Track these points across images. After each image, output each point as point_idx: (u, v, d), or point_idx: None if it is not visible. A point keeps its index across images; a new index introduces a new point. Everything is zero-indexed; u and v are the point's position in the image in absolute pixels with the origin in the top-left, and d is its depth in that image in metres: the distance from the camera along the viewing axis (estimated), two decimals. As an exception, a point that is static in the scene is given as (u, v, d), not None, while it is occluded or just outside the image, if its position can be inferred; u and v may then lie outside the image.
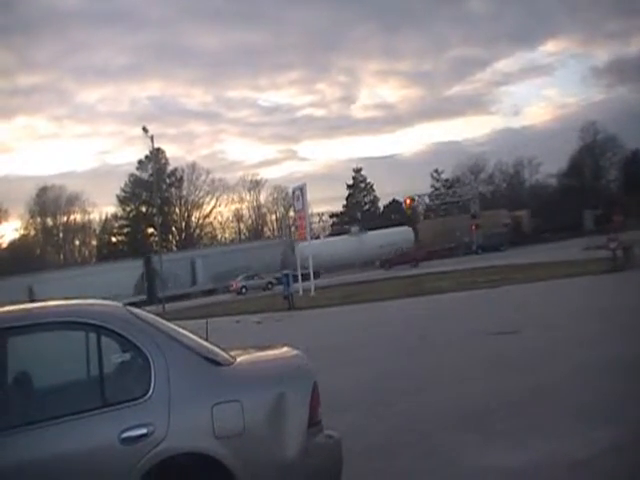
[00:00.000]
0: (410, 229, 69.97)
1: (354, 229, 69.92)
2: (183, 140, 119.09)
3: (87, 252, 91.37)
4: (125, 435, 3.93)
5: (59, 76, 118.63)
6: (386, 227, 69.87)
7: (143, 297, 55.79)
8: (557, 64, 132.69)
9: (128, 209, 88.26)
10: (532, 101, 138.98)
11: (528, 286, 24.46)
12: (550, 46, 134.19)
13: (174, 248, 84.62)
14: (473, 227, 69.39)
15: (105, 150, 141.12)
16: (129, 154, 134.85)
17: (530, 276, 27.36)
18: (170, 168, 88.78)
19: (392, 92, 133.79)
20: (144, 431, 3.96)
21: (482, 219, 67.73)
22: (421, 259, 60.35)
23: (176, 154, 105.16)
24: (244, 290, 55.81)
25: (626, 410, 7.23)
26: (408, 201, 76.94)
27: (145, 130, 50.34)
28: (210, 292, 61.92)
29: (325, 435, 4.59)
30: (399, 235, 66.99)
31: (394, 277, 43.14)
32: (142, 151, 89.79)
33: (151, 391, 4.08)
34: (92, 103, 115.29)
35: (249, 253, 64.56)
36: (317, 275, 50.14)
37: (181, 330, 4.66)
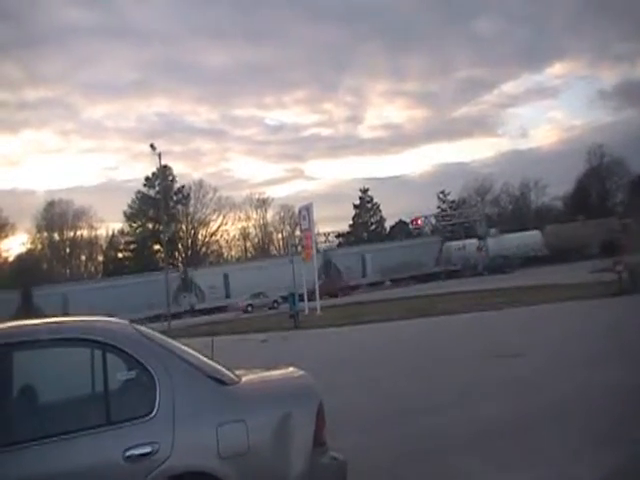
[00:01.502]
0: (539, 233, 70.83)
1: (493, 231, 73.50)
2: (189, 157, 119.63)
3: (93, 268, 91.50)
4: (129, 453, 3.91)
5: (66, 91, 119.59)
6: (516, 231, 72.91)
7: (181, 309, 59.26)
8: (564, 86, 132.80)
9: (135, 225, 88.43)
10: (539, 123, 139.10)
11: (533, 309, 24.36)
12: (557, 68, 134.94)
13: (180, 265, 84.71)
14: (481, 250, 69.54)
15: (111, 166, 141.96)
16: (135, 170, 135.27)
17: (536, 299, 27.24)
18: (177, 185, 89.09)
19: (399, 113, 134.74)
20: (148, 449, 3.94)
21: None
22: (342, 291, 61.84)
23: (182, 171, 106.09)
24: (250, 309, 55.78)
25: (630, 433, 7.18)
26: (419, 222, 77.11)
27: (153, 147, 50.53)
28: (376, 284, 67.99)
29: (330, 456, 4.57)
30: (531, 238, 69.54)
31: (399, 298, 43.02)
32: (149, 167, 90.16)
33: (156, 409, 4.06)
34: (99, 118, 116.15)
35: (409, 250, 71.40)
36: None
37: (187, 348, 4.65)
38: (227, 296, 65.94)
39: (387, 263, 69.33)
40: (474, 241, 72.04)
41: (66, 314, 54.35)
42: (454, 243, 74.10)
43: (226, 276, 67.94)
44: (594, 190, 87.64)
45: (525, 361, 13.11)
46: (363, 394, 11.55)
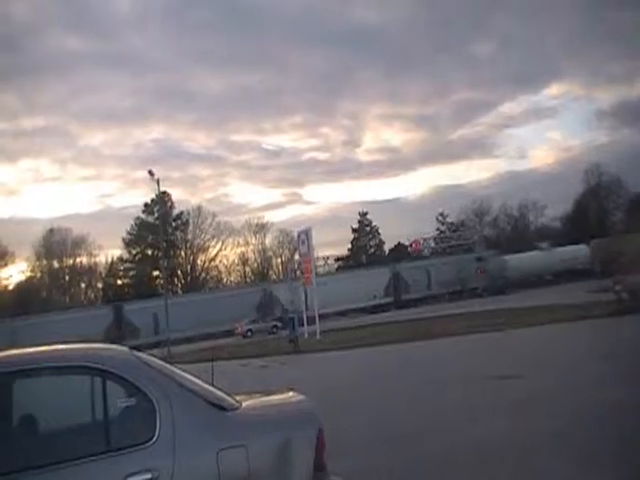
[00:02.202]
0: (586, 247, 70.30)
1: (544, 245, 74.38)
2: (187, 183, 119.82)
3: (93, 295, 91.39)
4: (130, 480, 3.91)
5: (63, 119, 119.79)
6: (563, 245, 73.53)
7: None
8: (561, 107, 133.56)
9: (134, 252, 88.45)
10: (536, 144, 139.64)
11: (533, 330, 24.35)
12: (554, 89, 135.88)
13: (179, 291, 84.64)
14: (479, 271, 69.49)
15: (109, 193, 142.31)
16: (133, 197, 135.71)
17: (535, 320, 27.22)
18: (176, 211, 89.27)
19: (396, 136, 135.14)
20: (149, 476, 3.93)
21: None
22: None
23: (181, 197, 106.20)
24: (249, 333, 55.67)
25: (630, 454, 7.17)
26: (419, 244, 77.22)
27: (151, 174, 50.62)
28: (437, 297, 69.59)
29: (331, 481, 4.56)
30: (579, 252, 69.71)
31: (400, 320, 42.98)
32: (146, 194, 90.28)
33: (156, 436, 4.05)
34: (96, 146, 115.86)
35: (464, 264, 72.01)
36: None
37: (187, 375, 4.65)
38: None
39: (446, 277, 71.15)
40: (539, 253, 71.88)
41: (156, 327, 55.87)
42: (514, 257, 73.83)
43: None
44: (592, 210, 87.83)
45: (526, 382, 13.11)
46: (362, 417, 11.52)
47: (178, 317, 54.31)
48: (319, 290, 43.85)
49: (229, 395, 4.68)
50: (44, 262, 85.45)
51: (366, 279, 68.51)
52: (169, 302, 52.34)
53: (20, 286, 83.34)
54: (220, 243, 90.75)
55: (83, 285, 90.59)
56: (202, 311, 59.78)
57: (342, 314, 64.36)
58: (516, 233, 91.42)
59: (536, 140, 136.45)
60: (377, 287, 69.86)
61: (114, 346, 4.81)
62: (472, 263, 71.99)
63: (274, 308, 64.93)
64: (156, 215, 79.94)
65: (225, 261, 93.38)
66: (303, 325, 40.01)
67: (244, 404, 4.60)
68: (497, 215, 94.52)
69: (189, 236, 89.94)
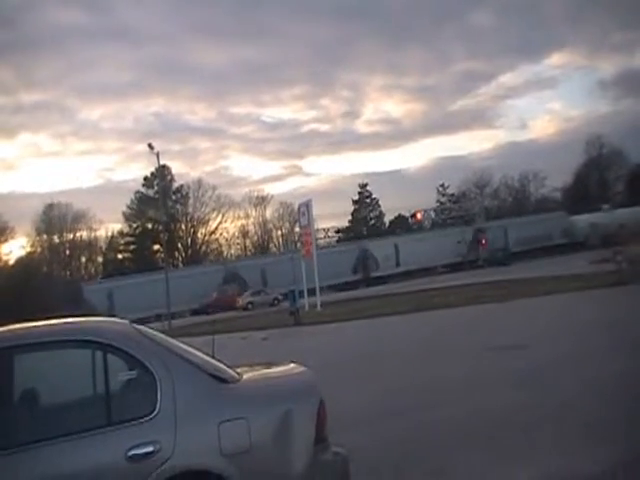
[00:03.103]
0: None
1: (605, 207, 74.68)
2: (187, 156, 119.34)
3: (93, 269, 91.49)
4: (131, 453, 3.92)
5: (62, 94, 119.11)
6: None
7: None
8: (562, 77, 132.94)
9: (134, 226, 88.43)
10: (537, 115, 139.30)
11: (535, 300, 24.39)
12: (555, 59, 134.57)
13: (180, 265, 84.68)
14: (483, 241, 69.54)
15: (109, 167, 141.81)
16: (133, 171, 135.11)
17: (537, 290, 27.28)
18: (176, 185, 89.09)
19: (396, 107, 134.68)
20: (150, 449, 3.96)
21: None
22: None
23: (180, 170, 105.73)
24: (250, 306, 55.79)
25: (633, 427, 7.19)
26: (419, 215, 77.02)
27: (151, 147, 50.43)
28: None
29: (332, 452, 4.58)
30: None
31: (402, 292, 43.04)
32: (146, 168, 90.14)
33: (157, 409, 4.07)
34: (95, 120, 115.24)
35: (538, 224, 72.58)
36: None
37: (187, 347, 4.66)
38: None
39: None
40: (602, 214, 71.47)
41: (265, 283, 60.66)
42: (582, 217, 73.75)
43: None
44: (593, 181, 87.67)
45: (530, 352, 13.15)
46: (363, 389, 11.56)
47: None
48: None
49: (230, 367, 4.69)
50: (44, 237, 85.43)
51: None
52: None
53: (20, 261, 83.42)
54: (220, 216, 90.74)
55: (83, 259, 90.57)
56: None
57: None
58: (517, 204, 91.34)
59: (537, 111, 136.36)
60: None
61: (115, 319, 4.82)
62: (472, 234, 72.07)
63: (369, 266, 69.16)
64: (156, 189, 79.80)
65: (225, 234, 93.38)
66: (303, 297, 40.08)
67: (245, 376, 4.62)
68: (498, 186, 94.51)
69: (189, 209, 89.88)
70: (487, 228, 72.34)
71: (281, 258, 67.21)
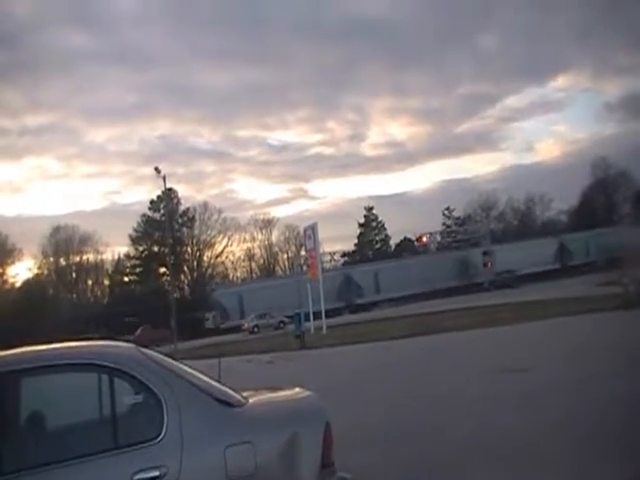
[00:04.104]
0: None
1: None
2: (193, 179, 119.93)
3: (99, 292, 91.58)
4: (137, 477, 3.91)
5: (68, 116, 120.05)
6: None
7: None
8: (567, 100, 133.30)
9: (140, 249, 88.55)
10: (543, 137, 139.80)
11: (540, 324, 24.32)
12: (560, 81, 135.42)
13: (186, 288, 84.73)
14: (489, 264, 69.56)
15: (115, 190, 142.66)
16: (139, 193, 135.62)
17: (542, 313, 27.19)
18: (182, 208, 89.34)
19: (401, 130, 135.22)
20: (156, 473, 3.94)
21: None
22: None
23: (186, 193, 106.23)
24: (256, 329, 55.75)
25: (634, 446, 7.19)
26: (425, 238, 77.04)
27: (158, 171, 50.68)
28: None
29: (338, 477, 4.57)
30: None
31: (406, 315, 42.96)
32: (152, 190, 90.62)
33: (163, 433, 4.07)
34: (101, 143, 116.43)
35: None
36: None
37: (193, 371, 4.66)
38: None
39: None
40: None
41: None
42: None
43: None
44: (600, 203, 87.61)
45: (533, 375, 13.10)
46: (369, 412, 11.53)
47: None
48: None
49: (236, 391, 4.69)
50: (51, 259, 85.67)
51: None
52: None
53: (27, 283, 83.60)
54: (226, 239, 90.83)
55: (90, 282, 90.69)
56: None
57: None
58: (523, 227, 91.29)
59: (542, 133, 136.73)
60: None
61: (121, 343, 4.83)
62: (478, 257, 72.09)
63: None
64: (162, 212, 79.96)
65: (231, 257, 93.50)
66: (309, 320, 40.04)
67: (251, 400, 4.61)
68: (503, 209, 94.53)
69: (195, 232, 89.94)
70: (493, 251, 72.42)
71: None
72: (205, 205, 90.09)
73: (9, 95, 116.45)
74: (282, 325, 54.90)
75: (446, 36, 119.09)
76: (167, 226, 64.48)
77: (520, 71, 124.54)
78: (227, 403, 4.37)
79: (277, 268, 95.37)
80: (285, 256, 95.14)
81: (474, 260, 72.81)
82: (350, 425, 9.15)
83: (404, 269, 70.73)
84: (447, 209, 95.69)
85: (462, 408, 10.83)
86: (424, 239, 78.36)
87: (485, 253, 72.13)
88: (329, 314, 62.48)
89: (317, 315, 41.64)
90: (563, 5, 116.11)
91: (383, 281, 71.37)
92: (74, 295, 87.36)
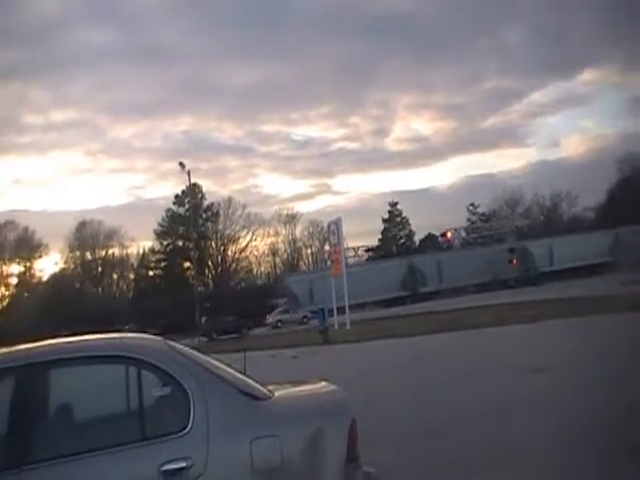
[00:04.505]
0: None
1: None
2: (217, 174, 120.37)
3: (125, 286, 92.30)
4: (165, 468, 3.94)
5: (93, 112, 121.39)
6: None
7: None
8: (594, 94, 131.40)
9: (165, 243, 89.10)
10: (569, 132, 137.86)
11: (562, 322, 24.12)
12: (587, 76, 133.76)
13: (210, 282, 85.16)
14: (514, 261, 69.17)
15: (139, 185, 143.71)
16: (163, 189, 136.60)
17: (565, 312, 26.94)
18: (206, 203, 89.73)
19: (426, 125, 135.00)
20: (183, 464, 3.97)
21: None
22: None
23: (210, 188, 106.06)
24: (280, 324, 55.89)
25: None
26: (449, 234, 76.73)
27: (182, 166, 51.01)
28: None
29: (364, 471, 4.58)
30: None
31: (430, 312, 42.84)
32: (176, 186, 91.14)
33: (190, 425, 4.10)
34: (126, 138, 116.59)
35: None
36: None
37: (219, 364, 4.69)
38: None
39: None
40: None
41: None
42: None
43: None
44: (627, 199, 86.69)
45: (554, 374, 13.03)
46: (392, 408, 11.53)
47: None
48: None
49: (261, 385, 4.71)
50: (77, 254, 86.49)
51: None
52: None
53: (54, 277, 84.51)
54: (250, 234, 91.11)
55: (115, 276, 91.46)
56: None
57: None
58: (549, 223, 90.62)
59: (569, 128, 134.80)
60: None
61: (149, 336, 4.88)
62: (504, 254, 71.65)
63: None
64: (187, 207, 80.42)
65: (255, 252, 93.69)
66: (333, 316, 40.05)
67: (276, 394, 4.63)
68: (529, 205, 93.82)
69: (219, 227, 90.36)
70: (518, 248, 72.04)
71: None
72: (229, 200, 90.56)
73: (36, 91, 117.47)
74: (306, 320, 55.00)
75: (471, 30, 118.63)
76: (192, 221, 64.89)
77: (546, 65, 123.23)
78: (253, 396, 4.39)
79: (301, 263, 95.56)
80: (309, 251, 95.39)
81: (499, 257, 72.37)
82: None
83: (464, 259, 71.50)
84: (472, 205, 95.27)
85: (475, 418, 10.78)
86: (448, 235, 78.08)
87: (511, 250, 71.68)
88: (391, 303, 63.52)
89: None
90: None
91: (446, 270, 71.67)
92: (100, 289, 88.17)
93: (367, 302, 64.38)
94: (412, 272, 72.09)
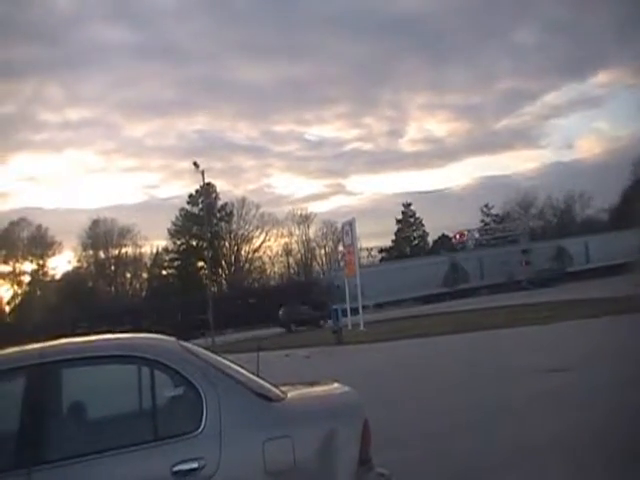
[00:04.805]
0: None
1: None
2: (230, 174, 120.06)
3: (138, 285, 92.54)
4: (177, 468, 3.94)
5: (107, 110, 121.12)
6: None
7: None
8: (608, 96, 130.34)
9: (179, 243, 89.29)
10: (583, 134, 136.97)
11: (578, 323, 23.97)
12: (601, 77, 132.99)
13: (223, 282, 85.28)
14: (524, 262, 68.92)
15: (153, 184, 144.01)
16: (177, 188, 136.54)
17: (580, 313, 26.76)
18: (220, 202, 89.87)
19: (440, 126, 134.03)
20: (195, 465, 3.97)
21: None
22: None
23: (223, 188, 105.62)
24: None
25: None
26: (459, 236, 76.54)
27: (196, 165, 51.00)
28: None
29: (376, 473, 4.56)
30: None
31: (444, 312, 42.72)
32: (190, 185, 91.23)
33: (203, 426, 4.09)
34: (139, 137, 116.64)
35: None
36: None
37: (232, 365, 4.68)
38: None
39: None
40: None
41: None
42: None
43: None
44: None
45: (573, 375, 12.95)
46: (405, 410, 11.49)
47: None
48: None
49: (274, 386, 4.70)
50: (90, 252, 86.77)
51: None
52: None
53: (67, 276, 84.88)
54: (264, 234, 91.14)
55: (128, 275, 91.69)
56: None
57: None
58: (562, 225, 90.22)
59: (583, 130, 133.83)
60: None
61: (162, 336, 4.86)
62: (517, 255, 71.45)
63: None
64: (201, 206, 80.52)
65: (269, 252, 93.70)
66: (346, 316, 39.97)
67: (289, 395, 4.61)
68: (543, 207, 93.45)
69: (233, 227, 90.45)
70: (532, 249, 71.83)
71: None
72: (243, 200, 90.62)
73: (50, 89, 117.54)
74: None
75: (485, 31, 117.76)
76: (205, 220, 64.91)
77: (560, 67, 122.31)
78: (266, 397, 4.37)
79: (314, 263, 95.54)
80: (322, 251, 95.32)
81: (512, 259, 72.09)
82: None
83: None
84: (486, 206, 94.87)
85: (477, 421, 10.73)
86: (462, 236, 77.87)
87: (524, 251, 71.43)
88: (431, 300, 63.55)
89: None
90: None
91: (487, 268, 71.52)
92: (113, 288, 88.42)
93: (404, 299, 64.75)
94: (454, 269, 72.03)
